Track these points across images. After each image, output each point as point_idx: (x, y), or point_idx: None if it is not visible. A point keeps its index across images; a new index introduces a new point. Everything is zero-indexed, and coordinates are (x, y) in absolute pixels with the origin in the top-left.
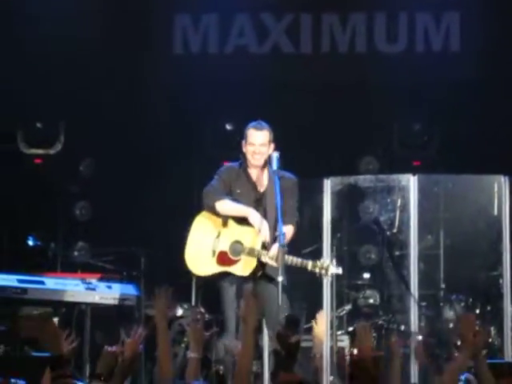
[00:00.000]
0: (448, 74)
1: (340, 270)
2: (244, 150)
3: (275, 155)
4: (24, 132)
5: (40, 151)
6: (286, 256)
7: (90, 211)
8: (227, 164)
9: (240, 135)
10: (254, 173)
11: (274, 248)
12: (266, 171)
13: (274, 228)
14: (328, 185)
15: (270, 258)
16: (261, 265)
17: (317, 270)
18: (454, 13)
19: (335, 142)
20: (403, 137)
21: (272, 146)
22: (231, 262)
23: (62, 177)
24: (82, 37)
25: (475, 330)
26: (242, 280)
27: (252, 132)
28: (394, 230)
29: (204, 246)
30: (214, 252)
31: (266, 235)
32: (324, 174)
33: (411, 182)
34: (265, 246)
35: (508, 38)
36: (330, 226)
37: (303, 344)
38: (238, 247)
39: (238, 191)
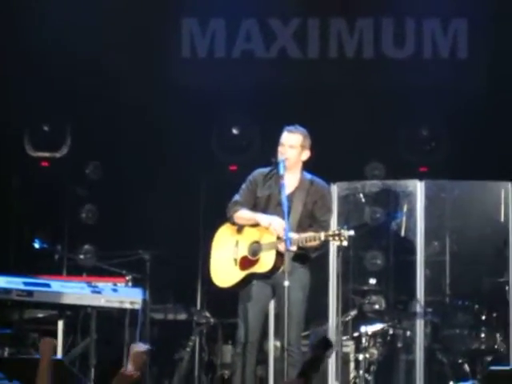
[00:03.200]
0: (455, 80)
1: (352, 232)
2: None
3: (281, 160)
4: (30, 135)
5: (46, 154)
6: (297, 236)
7: (97, 214)
8: (258, 169)
9: (246, 139)
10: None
11: (292, 234)
12: (296, 176)
13: (295, 231)
14: (335, 190)
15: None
16: (282, 258)
17: (330, 239)
18: (462, 19)
19: (342, 147)
20: (410, 142)
21: (306, 152)
22: (253, 263)
23: (69, 180)
24: (88, 40)
25: None
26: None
27: (284, 133)
28: (401, 236)
29: (225, 259)
30: (235, 260)
31: (275, 229)
32: (331, 178)
33: (418, 188)
34: (279, 238)
35: None
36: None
37: None
38: (255, 247)
39: (261, 195)
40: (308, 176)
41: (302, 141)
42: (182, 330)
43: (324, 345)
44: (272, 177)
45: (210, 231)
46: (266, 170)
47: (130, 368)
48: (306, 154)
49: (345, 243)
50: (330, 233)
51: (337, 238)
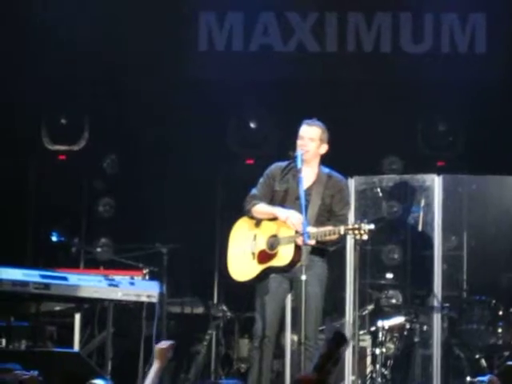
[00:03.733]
0: (473, 74)
1: (372, 226)
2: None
3: (299, 153)
4: (48, 128)
5: (64, 147)
6: (316, 230)
7: (114, 207)
8: (275, 163)
9: (263, 133)
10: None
11: (311, 228)
12: (314, 170)
13: (313, 225)
14: (352, 184)
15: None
16: (300, 252)
17: (350, 232)
18: (480, 14)
19: (360, 141)
20: (428, 137)
21: (324, 146)
22: (271, 257)
23: (86, 173)
24: (106, 33)
25: None
26: (279, 280)
27: (303, 126)
28: (418, 231)
29: (243, 252)
30: (253, 254)
31: (293, 223)
32: (348, 173)
33: (436, 183)
34: (298, 231)
35: None
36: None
37: None
38: (273, 240)
39: (279, 189)
40: (325, 170)
41: (321, 134)
42: (199, 324)
43: (338, 340)
44: (290, 171)
45: (226, 225)
46: (283, 163)
47: (156, 364)
48: (324, 148)
49: (365, 237)
50: (350, 227)
51: (357, 231)
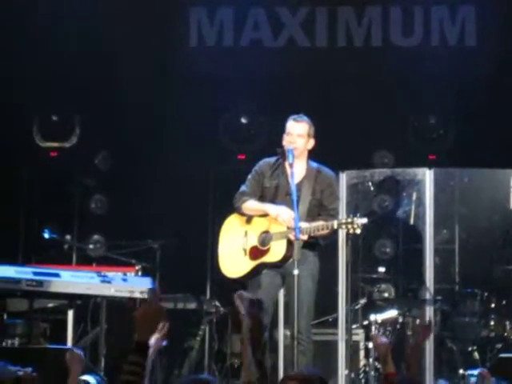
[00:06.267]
0: (463, 68)
1: (365, 220)
2: (284, 142)
3: (289, 148)
4: (40, 125)
5: (55, 144)
6: (308, 225)
7: (106, 204)
8: (264, 159)
9: (255, 128)
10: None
11: (303, 223)
12: (303, 165)
13: (305, 220)
14: (343, 178)
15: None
16: (293, 247)
17: (343, 227)
18: (470, 7)
19: (350, 136)
20: (419, 130)
21: (312, 141)
22: (263, 253)
23: (78, 170)
24: (97, 31)
25: None
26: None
27: (291, 123)
28: (410, 224)
29: (234, 249)
30: (245, 250)
31: (283, 219)
32: (339, 167)
33: (427, 176)
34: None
35: None
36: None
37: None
38: (265, 236)
39: (269, 185)
40: (314, 165)
41: (308, 129)
42: (192, 320)
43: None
44: (279, 166)
45: (218, 220)
46: (272, 159)
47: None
48: (312, 143)
49: (358, 231)
50: (344, 221)
51: (350, 226)
